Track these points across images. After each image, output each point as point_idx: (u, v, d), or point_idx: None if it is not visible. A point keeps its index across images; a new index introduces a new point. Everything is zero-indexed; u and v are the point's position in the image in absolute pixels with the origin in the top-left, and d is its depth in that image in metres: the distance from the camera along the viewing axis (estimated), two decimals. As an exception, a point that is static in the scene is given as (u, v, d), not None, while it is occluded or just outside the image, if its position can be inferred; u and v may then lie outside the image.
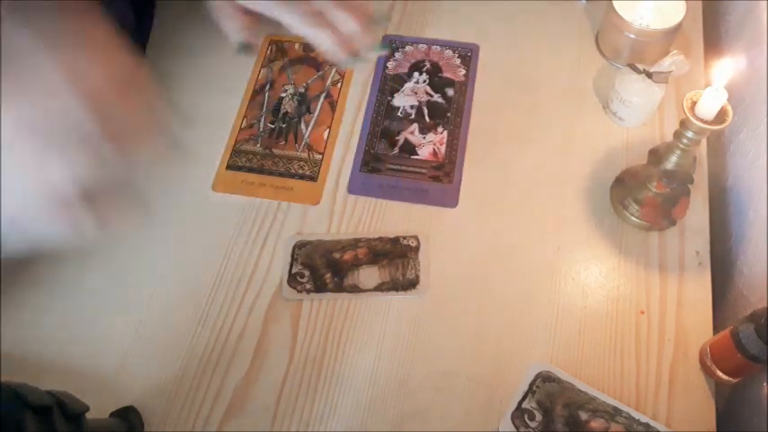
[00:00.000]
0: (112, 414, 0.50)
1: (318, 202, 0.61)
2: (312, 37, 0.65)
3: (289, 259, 0.58)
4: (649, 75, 0.60)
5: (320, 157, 0.64)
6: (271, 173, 0.63)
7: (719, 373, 0.51)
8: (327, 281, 0.57)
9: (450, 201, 0.61)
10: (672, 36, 0.65)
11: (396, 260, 0.58)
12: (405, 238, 0.59)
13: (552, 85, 0.68)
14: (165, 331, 0.55)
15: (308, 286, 0.56)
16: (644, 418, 0.50)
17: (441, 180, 0.62)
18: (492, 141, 0.65)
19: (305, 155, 0.64)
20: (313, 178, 0.63)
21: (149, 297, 0.56)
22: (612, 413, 0.50)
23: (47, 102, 0.42)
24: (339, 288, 0.56)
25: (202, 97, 0.68)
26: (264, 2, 0.65)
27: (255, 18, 0.67)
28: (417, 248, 0.58)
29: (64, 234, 0.43)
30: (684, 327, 0.54)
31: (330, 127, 0.66)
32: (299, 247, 0.58)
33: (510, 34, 0.72)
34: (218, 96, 0.68)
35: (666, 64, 0.59)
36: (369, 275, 0.57)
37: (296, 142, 0.65)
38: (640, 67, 0.61)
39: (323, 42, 0.65)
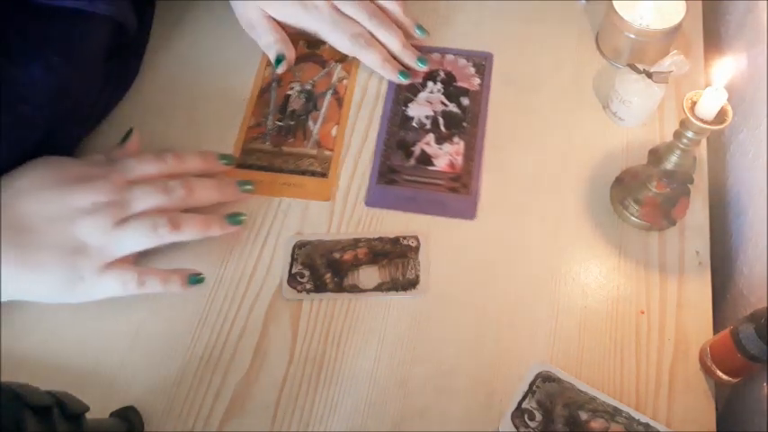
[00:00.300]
0: (112, 414, 0.50)
1: (330, 197, 0.61)
2: (361, 57, 0.67)
3: (289, 259, 0.58)
4: (649, 75, 0.60)
5: (330, 153, 0.64)
6: (281, 170, 0.63)
7: (719, 373, 0.51)
8: (327, 281, 0.57)
9: (468, 212, 0.60)
10: (672, 36, 0.65)
11: (396, 260, 0.58)
12: (405, 238, 0.59)
13: (551, 85, 0.68)
14: (165, 331, 0.55)
15: (308, 286, 0.56)
16: (644, 418, 0.50)
17: (458, 191, 0.61)
18: (491, 141, 0.65)
19: (314, 152, 0.64)
20: (324, 174, 0.63)
21: (149, 297, 0.56)
22: (612, 413, 0.50)
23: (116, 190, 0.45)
24: (339, 288, 0.56)
25: (208, 97, 0.68)
26: (313, 23, 0.66)
27: (289, 30, 0.69)
28: (417, 248, 0.58)
29: (113, 290, 0.46)
30: (684, 327, 0.54)
31: (338, 123, 0.66)
32: (298, 247, 0.58)
33: (509, 35, 0.72)
34: (224, 95, 0.68)
35: (666, 64, 0.59)
36: (369, 275, 0.57)
37: (305, 139, 0.65)
38: (640, 67, 0.61)
39: (373, 61, 0.66)
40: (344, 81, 0.68)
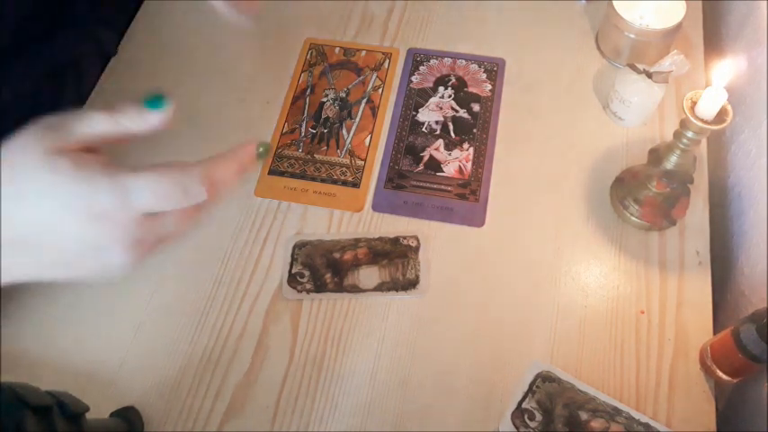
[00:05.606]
0: (112, 414, 0.50)
1: (362, 209, 0.61)
2: None
3: (289, 259, 0.58)
4: (649, 75, 0.60)
5: (362, 163, 0.63)
6: (313, 178, 0.63)
7: (719, 373, 0.51)
8: (327, 281, 0.57)
9: (477, 220, 0.60)
10: (672, 36, 0.65)
11: (396, 260, 0.58)
12: (405, 238, 0.59)
13: (552, 85, 0.68)
14: (165, 331, 0.55)
15: (308, 286, 0.56)
16: (644, 418, 0.50)
17: (467, 198, 0.61)
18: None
19: (347, 161, 0.64)
20: (356, 185, 0.62)
21: (149, 297, 0.56)
22: (612, 413, 0.50)
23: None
24: (339, 288, 0.56)
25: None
26: None
27: None
28: (417, 248, 0.58)
29: (125, 267, 0.44)
30: (684, 327, 0.54)
31: (372, 133, 0.65)
32: (298, 247, 0.58)
33: (509, 35, 0.72)
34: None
35: (666, 64, 0.59)
36: (369, 275, 0.57)
37: (338, 148, 0.64)
38: (640, 67, 0.61)
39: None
40: (380, 90, 0.68)
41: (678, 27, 0.64)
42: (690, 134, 0.50)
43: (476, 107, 0.66)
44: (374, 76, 0.69)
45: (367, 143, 0.65)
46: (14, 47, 0.57)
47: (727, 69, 0.47)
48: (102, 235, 0.42)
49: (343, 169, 0.63)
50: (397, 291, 0.56)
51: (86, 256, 0.41)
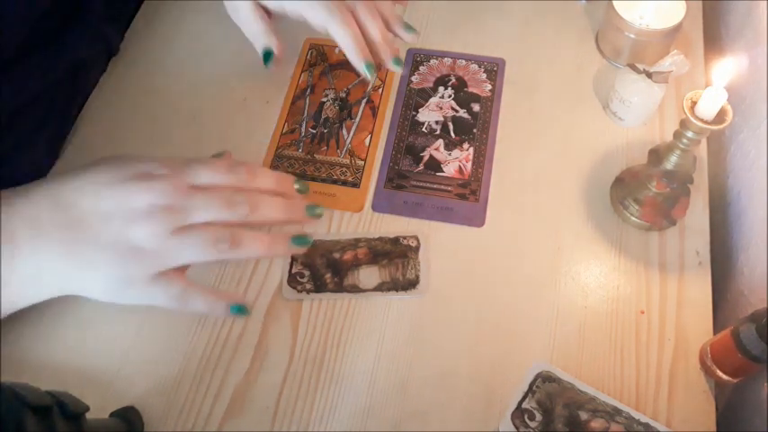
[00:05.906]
0: (112, 414, 0.50)
1: (362, 209, 0.61)
2: (333, 32, 0.59)
3: (288, 259, 0.58)
4: (649, 75, 0.60)
5: (362, 163, 0.63)
6: (313, 179, 0.63)
7: (719, 373, 0.51)
8: (327, 281, 0.57)
9: (477, 220, 0.60)
10: (672, 36, 0.65)
11: (396, 260, 0.58)
12: (405, 237, 0.59)
13: (551, 85, 0.68)
14: (165, 331, 0.55)
15: (307, 286, 0.56)
16: (644, 418, 0.50)
17: (467, 198, 0.61)
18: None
19: (347, 161, 0.64)
20: (356, 185, 0.62)
21: (149, 297, 0.56)
22: (612, 413, 0.50)
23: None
24: (339, 288, 0.56)
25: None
26: (292, 1, 0.59)
27: (276, 20, 0.62)
28: (417, 248, 0.58)
29: (159, 301, 0.45)
30: (684, 327, 0.54)
31: (372, 133, 0.65)
32: (299, 247, 0.58)
33: (509, 35, 0.72)
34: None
35: (666, 64, 0.59)
36: (369, 275, 0.57)
37: (338, 148, 0.64)
38: (640, 67, 0.61)
39: (344, 41, 0.59)
40: (380, 90, 0.68)
41: (678, 27, 0.64)
42: (690, 134, 0.50)
43: (476, 107, 0.66)
44: (374, 76, 0.69)
45: (367, 143, 0.65)
46: (29, 46, 0.57)
47: (727, 69, 0.47)
48: (134, 192, 0.42)
49: (343, 169, 0.63)
50: (397, 291, 0.56)
51: (114, 219, 0.41)
